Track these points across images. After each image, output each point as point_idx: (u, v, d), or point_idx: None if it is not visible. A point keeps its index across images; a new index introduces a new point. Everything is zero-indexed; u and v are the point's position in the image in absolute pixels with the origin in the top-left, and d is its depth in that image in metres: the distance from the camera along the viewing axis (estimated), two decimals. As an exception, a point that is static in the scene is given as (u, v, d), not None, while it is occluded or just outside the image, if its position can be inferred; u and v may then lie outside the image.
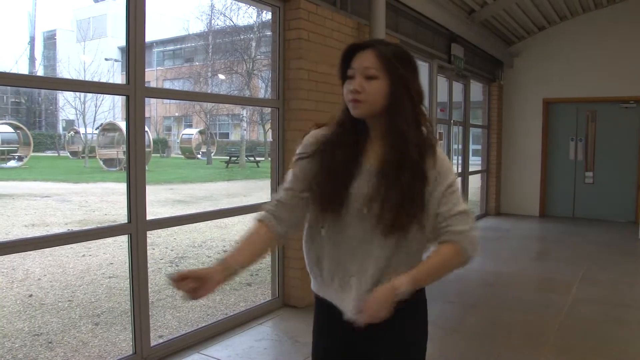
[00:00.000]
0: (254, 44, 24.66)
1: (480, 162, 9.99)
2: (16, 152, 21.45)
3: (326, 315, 1.70)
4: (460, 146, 8.84)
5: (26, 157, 21.06)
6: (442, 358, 3.55)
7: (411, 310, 1.63)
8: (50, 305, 4.83)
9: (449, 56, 7.54)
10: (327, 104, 4.43)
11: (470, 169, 9.21)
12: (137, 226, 3.21)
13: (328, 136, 1.63)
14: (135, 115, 3.17)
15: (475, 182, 9.79)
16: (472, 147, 9.67)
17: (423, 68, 7.28)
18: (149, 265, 3.38)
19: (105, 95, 21.15)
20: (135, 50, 3.16)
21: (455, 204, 1.55)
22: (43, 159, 23.85)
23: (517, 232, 8.45)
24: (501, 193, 10.08)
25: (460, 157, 8.80)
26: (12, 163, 20.51)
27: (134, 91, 3.15)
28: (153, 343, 3.45)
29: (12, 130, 22.41)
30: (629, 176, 9.11)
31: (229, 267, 1.51)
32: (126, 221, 3.23)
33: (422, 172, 1.53)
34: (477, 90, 9.52)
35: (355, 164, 1.59)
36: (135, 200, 3.20)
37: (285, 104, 4.40)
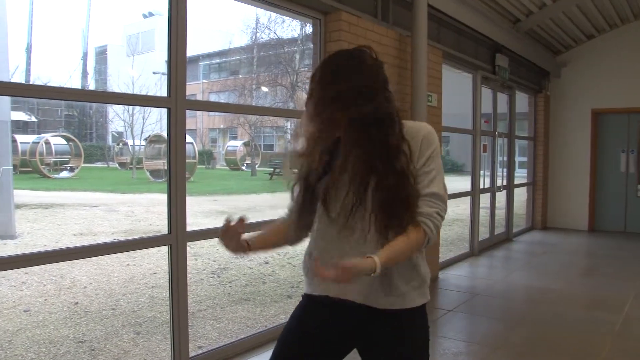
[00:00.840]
0: (297, 56, 24.90)
1: (526, 174, 9.75)
2: (68, 163, 22.18)
3: (313, 310, 1.75)
4: (505, 158, 8.66)
5: (77, 168, 21.74)
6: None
7: (409, 327, 1.64)
8: (94, 313, 4.93)
9: (493, 67, 7.41)
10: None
11: (516, 182, 9.01)
12: (177, 237, 3.24)
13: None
14: (176, 127, 3.22)
15: (521, 194, 9.55)
16: (518, 159, 9.43)
17: (467, 79, 7.19)
18: (191, 275, 3.42)
19: (151, 107, 21.68)
20: (176, 63, 3.22)
21: (427, 185, 1.56)
22: (93, 170, 24.60)
23: (564, 246, 8.19)
24: (548, 206, 9.80)
25: (505, 170, 8.61)
26: (64, 174, 21.19)
27: (174, 103, 3.20)
28: (192, 354, 3.47)
29: (64, 142, 23.20)
30: (685, 190, 8.72)
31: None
32: (167, 232, 3.27)
33: (396, 171, 1.53)
34: (522, 101, 9.32)
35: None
36: (176, 211, 3.24)
37: (326, 116, 4.37)
